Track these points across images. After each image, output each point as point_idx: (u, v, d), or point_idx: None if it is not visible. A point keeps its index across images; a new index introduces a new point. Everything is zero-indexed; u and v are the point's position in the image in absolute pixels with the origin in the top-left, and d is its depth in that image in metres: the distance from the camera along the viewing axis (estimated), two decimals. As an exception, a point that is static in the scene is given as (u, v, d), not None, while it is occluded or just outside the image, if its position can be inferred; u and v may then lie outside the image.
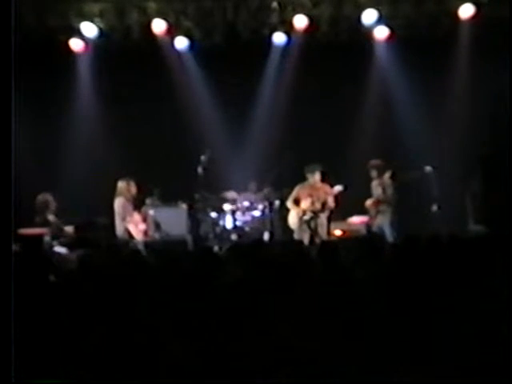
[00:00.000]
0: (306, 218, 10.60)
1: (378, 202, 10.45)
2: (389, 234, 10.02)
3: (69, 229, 9.59)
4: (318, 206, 10.59)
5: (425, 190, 10.52)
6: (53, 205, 9.66)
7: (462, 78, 11.66)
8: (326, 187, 10.68)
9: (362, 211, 10.69)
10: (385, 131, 11.67)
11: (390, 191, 10.43)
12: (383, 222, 10.33)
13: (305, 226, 10.60)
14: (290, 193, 10.90)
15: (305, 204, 10.66)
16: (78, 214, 10.08)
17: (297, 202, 10.77)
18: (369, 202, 10.50)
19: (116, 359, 3.76)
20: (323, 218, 10.63)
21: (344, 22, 11.52)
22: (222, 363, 3.68)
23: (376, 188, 10.53)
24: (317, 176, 10.69)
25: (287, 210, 10.89)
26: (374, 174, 10.55)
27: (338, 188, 10.46)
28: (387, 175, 10.43)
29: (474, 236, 9.25)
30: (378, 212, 10.43)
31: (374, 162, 10.56)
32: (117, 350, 3.81)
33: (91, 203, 10.60)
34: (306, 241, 10.16)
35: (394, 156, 10.75)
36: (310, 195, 10.65)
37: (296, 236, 10.53)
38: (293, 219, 10.77)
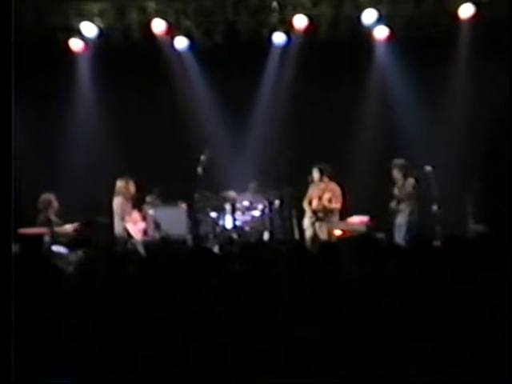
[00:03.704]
0: (313, 219, 10.63)
1: (398, 202, 10.41)
2: (401, 236, 10.01)
3: (68, 228, 9.61)
4: (325, 205, 10.56)
5: (425, 189, 10.51)
6: (55, 204, 9.74)
7: (462, 77, 11.65)
8: (331, 184, 10.63)
9: (362, 211, 10.69)
10: (385, 130, 11.67)
11: (409, 189, 10.36)
12: (400, 222, 10.30)
13: (312, 227, 10.64)
14: (290, 193, 10.95)
15: (314, 204, 10.66)
16: (77, 213, 10.08)
17: (310, 203, 10.78)
18: (393, 203, 10.50)
19: (115, 359, 3.76)
20: (331, 217, 10.60)
21: (344, 22, 11.51)
22: (221, 363, 3.68)
23: (400, 188, 10.46)
24: (315, 174, 10.67)
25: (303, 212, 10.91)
26: (395, 173, 10.49)
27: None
28: (411, 177, 10.37)
29: (474, 236, 9.28)
30: (398, 211, 10.40)
31: (397, 161, 10.50)
32: (116, 350, 3.81)
33: (91, 203, 10.60)
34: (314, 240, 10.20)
35: (393, 155, 10.74)
36: (318, 195, 10.64)
37: (307, 236, 10.57)
38: (305, 220, 10.79)
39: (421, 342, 3.71)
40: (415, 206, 10.39)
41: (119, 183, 10.14)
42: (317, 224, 10.58)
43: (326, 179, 10.65)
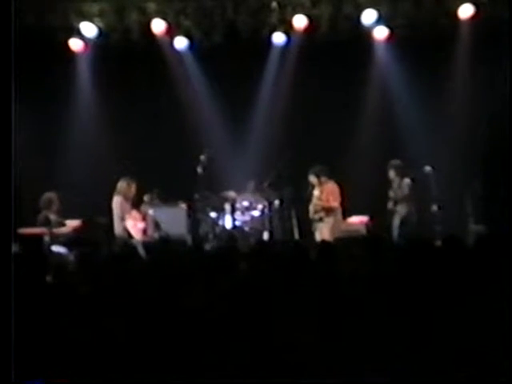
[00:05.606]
0: (314, 217, 10.63)
1: (395, 203, 10.42)
2: (395, 235, 10.01)
3: (70, 225, 9.61)
4: (323, 204, 10.54)
5: (425, 190, 10.52)
6: (56, 204, 9.72)
7: (461, 77, 11.65)
8: (328, 184, 10.60)
9: (362, 211, 10.68)
10: (385, 131, 11.67)
11: (405, 190, 10.38)
12: (397, 223, 10.31)
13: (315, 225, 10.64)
14: (289, 193, 10.95)
15: (313, 205, 10.64)
16: (77, 213, 10.08)
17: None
18: (390, 204, 10.51)
19: (115, 359, 3.76)
20: (332, 216, 10.58)
21: (344, 22, 11.51)
22: (220, 363, 3.68)
23: (396, 189, 10.46)
24: (312, 179, 10.64)
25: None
26: (392, 174, 10.50)
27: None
28: (407, 178, 10.37)
29: (474, 236, 9.28)
30: (395, 212, 10.41)
31: (394, 162, 10.52)
32: (116, 350, 3.81)
33: (91, 203, 10.60)
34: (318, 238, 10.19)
35: (394, 156, 10.75)
36: (317, 197, 10.62)
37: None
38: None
39: (420, 343, 3.71)
40: (412, 207, 10.40)
41: (121, 183, 10.13)
42: (318, 224, 10.56)
43: (323, 180, 10.60)
